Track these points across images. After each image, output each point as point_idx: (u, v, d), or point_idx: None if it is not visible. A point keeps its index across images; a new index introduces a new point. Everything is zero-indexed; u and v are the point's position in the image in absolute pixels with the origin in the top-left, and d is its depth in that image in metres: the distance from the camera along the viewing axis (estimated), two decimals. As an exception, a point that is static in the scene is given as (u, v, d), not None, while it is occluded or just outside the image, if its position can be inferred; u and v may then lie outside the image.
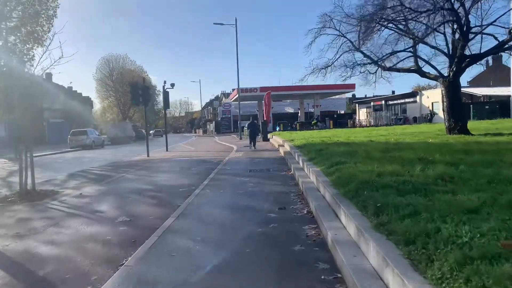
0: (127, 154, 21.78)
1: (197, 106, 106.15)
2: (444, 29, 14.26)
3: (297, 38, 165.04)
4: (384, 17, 13.88)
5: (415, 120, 44.15)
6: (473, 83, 56.08)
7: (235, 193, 8.03)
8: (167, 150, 22.59)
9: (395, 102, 50.94)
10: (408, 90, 63.96)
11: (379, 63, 15.51)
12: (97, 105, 78.88)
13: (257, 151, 18.84)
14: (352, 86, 45.99)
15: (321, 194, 6.35)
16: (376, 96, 68.10)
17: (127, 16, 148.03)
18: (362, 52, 15.83)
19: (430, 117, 43.59)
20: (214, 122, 75.46)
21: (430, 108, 42.79)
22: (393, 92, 73.13)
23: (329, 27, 16.33)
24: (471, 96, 40.49)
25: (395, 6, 13.12)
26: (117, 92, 68.68)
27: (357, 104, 63.26)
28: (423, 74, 15.52)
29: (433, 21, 12.90)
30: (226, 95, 74.23)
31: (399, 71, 15.83)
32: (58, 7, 9.95)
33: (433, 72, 15.15)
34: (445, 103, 14.27)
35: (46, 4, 9.82)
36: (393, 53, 15.03)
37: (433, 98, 42.32)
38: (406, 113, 46.87)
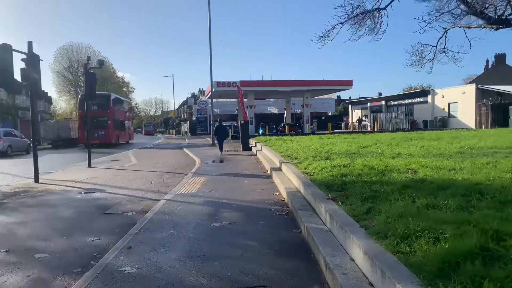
0: (26, 172, 13.18)
1: (175, 105, 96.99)
2: None
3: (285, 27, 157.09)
4: None
5: (426, 124, 36.84)
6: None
7: None
8: (89, 166, 14.16)
9: (399, 102, 43.45)
10: (397, 92, 56.42)
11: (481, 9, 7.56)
12: (62, 103, 70.89)
13: (233, 178, 10.62)
14: (349, 83, 38.40)
15: None
16: (364, 98, 59.38)
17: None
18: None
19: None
20: (188, 122, 66.92)
21: (446, 109, 35.39)
22: (380, 94, 65.12)
23: None
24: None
25: None
26: (77, 87, 61.73)
27: (350, 105, 55.77)
28: None
29: None
30: (203, 93, 65.57)
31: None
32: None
33: None
34: None
35: None
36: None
37: (450, 98, 35.03)
38: (413, 116, 39.49)
